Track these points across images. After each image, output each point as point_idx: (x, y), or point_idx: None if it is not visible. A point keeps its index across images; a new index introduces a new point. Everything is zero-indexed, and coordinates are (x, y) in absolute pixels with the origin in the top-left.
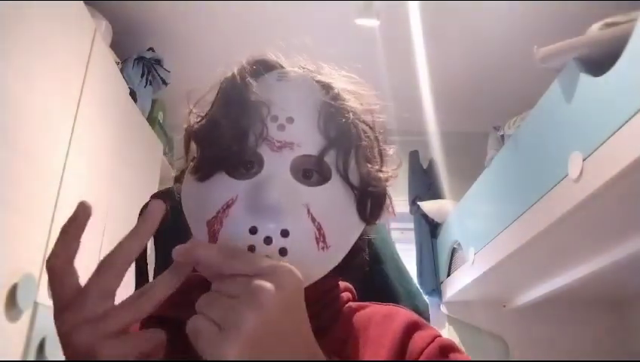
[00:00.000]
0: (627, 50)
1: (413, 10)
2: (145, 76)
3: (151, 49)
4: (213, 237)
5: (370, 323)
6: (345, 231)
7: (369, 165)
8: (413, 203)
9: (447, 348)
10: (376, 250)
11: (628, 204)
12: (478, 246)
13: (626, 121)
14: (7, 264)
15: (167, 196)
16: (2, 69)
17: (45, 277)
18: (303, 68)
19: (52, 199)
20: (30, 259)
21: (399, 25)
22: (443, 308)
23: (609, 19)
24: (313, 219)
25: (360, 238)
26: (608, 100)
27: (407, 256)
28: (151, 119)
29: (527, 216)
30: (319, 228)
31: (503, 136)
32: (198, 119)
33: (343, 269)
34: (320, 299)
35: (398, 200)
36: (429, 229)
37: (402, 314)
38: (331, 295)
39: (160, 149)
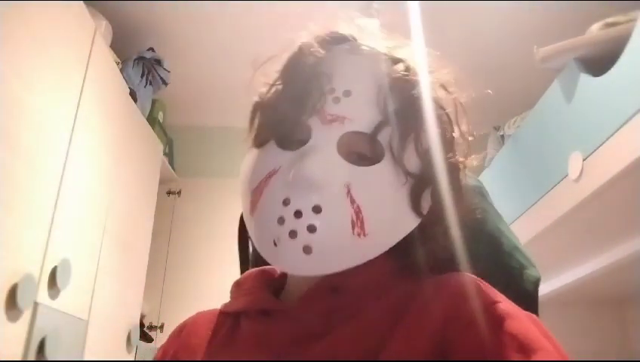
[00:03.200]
0: (627, 50)
1: (413, 10)
2: (145, 76)
3: (151, 49)
4: (253, 206)
5: (419, 293)
6: (390, 220)
7: (445, 151)
8: None
9: (504, 316)
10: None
11: (628, 204)
12: None
13: (626, 121)
14: (7, 264)
15: None
16: (2, 69)
17: (45, 277)
18: (383, 41)
19: (52, 199)
20: (30, 259)
21: (399, 25)
22: None
23: (609, 19)
24: (352, 201)
25: (427, 232)
26: (608, 100)
27: None
28: (151, 119)
29: (527, 216)
30: (357, 212)
31: (503, 136)
32: (265, 88)
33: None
34: (359, 289)
35: None
36: None
37: (455, 279)
38: (352, 293)
39: (160, 149)
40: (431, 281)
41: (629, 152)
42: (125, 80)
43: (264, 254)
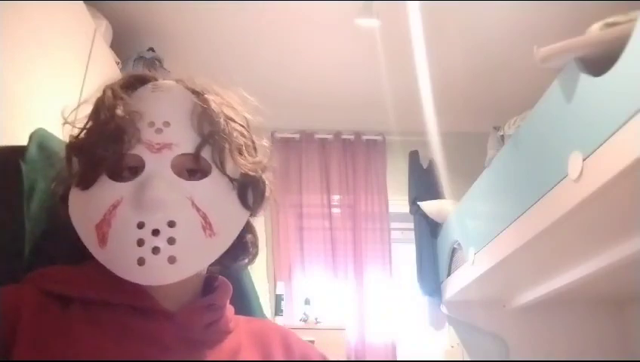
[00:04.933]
0: (627, 50)
1: (413, 10)
2: None
3: (151, 49)
4: (102, 239)
5: (267, 337)
6: (230, 218)
7: (243, 158)
8: (413, 203)
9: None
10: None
11: (628, 204)
12: (478, 246)
13: (626, 121)
14: None
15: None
16: (2, 68)
17: None
18: (178, 80)
19: None
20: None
21: (399, 25)
22: (443, 308)
23: (609, 19)
24: (198, 209)
25: (247, 232)
26: (608, 100)
27: (407, 256)
28: None
29: (527, 216)
30: (204, 217)
31: (503, 136)
32: (76, 133)
33: (232, 260)
34: (224, 306)
35: (398, 200)
36: (429, 229)
37: (280, 328)
38: (224, 309)
39: None
40: (265, 325)
41: (629, 152)
42: None
43: (130, 276)
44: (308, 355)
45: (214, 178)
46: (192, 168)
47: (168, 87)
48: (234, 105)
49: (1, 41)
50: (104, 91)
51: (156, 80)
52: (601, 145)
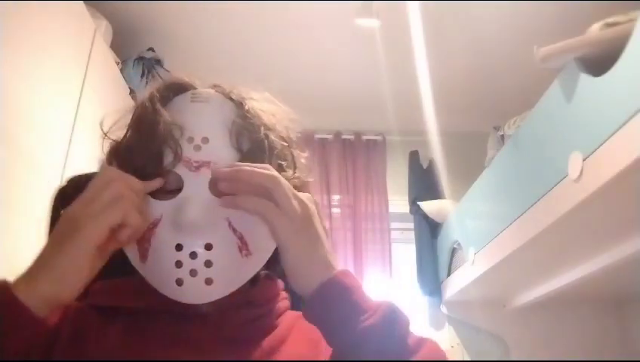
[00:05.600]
0: (627, 50)
1: (413, 10)
2: (145, 76)
3: (151, 49)
4: (143, 255)
5: (315, 331)
6: (265, 236)
7: (283, 173)
8: (413, 203)
9: None
10: None
11: (628, 204)
12: (478, 246)
13: (626, 121)
14: (7, 264)
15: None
16: (2, 68)
17: None
18: (216, 86)
19: None
20: (30, 259)
21: (399, 25)
22: (443, 308)
23: (609, 19)
24: (234, 230)
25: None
26: (608, 100)
27: (407, 256)
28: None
29: (527, 216)
30: (241, 238)
31: (503, 136)
32: (114, 144)
33: (277, 271)
34: (267, 302)
35: (398, 200)
36: (429, 229)
37: None
38: (276, 299)
39: None
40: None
41: (629, 152)
42: (125, 80)
43: (168, 294)
44: None
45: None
46: None
47: (207, 96)
48: (275, 114)
49: (0, 41)
50: (144, 103)
51: (195, 88)
52: (601, 145)
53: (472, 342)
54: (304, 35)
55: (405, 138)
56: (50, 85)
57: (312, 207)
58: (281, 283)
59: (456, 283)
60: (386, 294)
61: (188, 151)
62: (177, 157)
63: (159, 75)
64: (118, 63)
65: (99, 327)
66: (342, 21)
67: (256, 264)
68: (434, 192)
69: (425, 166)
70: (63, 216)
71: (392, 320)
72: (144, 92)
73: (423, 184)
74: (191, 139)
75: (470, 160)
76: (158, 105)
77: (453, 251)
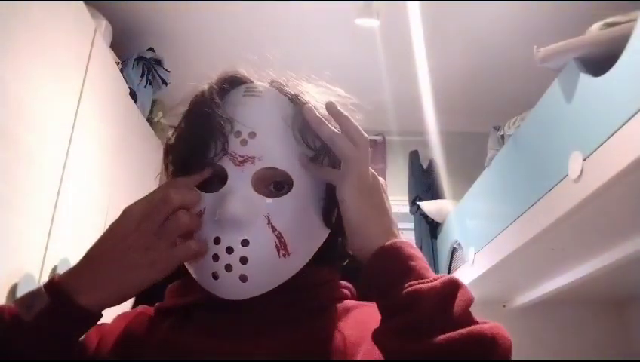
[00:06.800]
0: (627, 50)
1: (413, 10)
2: (145, 76)
3: (151, 49)
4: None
5: (369, 321)
6: (308, 237)
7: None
8: (413, 203)
9: None
10: None
11: (628, 203)
12: (478, 246)
13: (626, 121)
14: (7, 264)
15: None
16: (2, 69)
17: (45, 277)
18: (272, 82)
19: (52, 199)
20: (30, 259)
21: (399, 25)
22: None
23: (609, 19)
24: (274, 229)
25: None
26: (608, 100)
27: None
28: (151, 119)
29: (527, 216)
30: (279, 237)
31: (503, 136)
32: (171, 131)
33: (330, 264)
34: (315, 286)
35: (398, 200)
36: (429, 229)
37: None
38: (327, 285)
39: (160, 149)
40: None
41: (629, 152)
42: (125, 80)
43: (206, 286)
44: None
45: (297, 193)
46: (276, 180)
47: (262, 91)
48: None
49: (1, 41)
50: (201, 92)
51: (251, 82)
52: (601, 145)
53: None
54: (304, 35)
55: (405, 138)
56: (50, 85)
57: (383, 183)
58: (337, 274)
59: None
60: None
61: (234, 145)
62: (223, 150)
63: (159, 75)
64: (118, 63)
65: (149, 329)
66: (342, 21)
67: (294, 265)
68: (434, 192)
69: (425, 166)
70: (126, 224)
71: (453, 291)
72: (201, 84)
73: (423, 184)
74: (238, 133)
75: (470, 160)
76: (215, 97)
77: (453, 251)
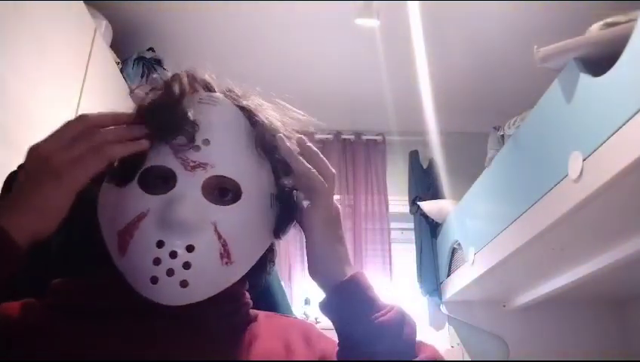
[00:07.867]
0: (627, 50)
1: (413, 10)
2: (145, 76)
3: (151, 49)
4: (123, 247)
5: (287, 331)
6: (252, 246)
7: (285, 183)
8: (413, 203)
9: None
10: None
11: (628, 204)
12: (478, 246)
13: (626, 121)
14: None
15: None
16: (2, 69)
17: None
18: (229, 91)
19: None
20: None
21: (399, 25)
22: (443, 308)
23: (609, 19)
24: (219, 236)
25: (268, 252)
26: (608, 100)
27: (407, 256)
28: None
29: (527, 216)
30: (224, 245)
31: (503, 136)
32: (142, 100)
33: (249, 277)
34: (232, 301)
35: (398, 200)
36: (429, 229)
37: (302, 322)
38: (242, 299)
39: None
40: (291, 322)
41: (629, 152)
42: (125, 80)
43: (142, 291)
44: (325, 350)
45: (245, 203)
46: (225, 188)
47: (218, 101)
48: (287, 125)
49: (1, 41)
50: (180, 76)
51: (210, 89)
52: (601, 145)
53: (472, 342)
54: (304, 35)
55: (405, 138)
56: (50, 85)
57: (340, 211)
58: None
59: (456, 283)
60: (386, 294)
61: (186, 149)
62: (176, 153)
63: (159, 75)
64: (118, 63)
65: (52, 326)
66: (342, 21)
67: (235, 273)
68: (434, 192)
69: (425, 166)
70: (35, 155)
71: (403, 320)
72: (163, 80)
73: (423, 184)
74: (192, 139)
75: (470, 160)
76: (176, 96)
77: (453, 251)
